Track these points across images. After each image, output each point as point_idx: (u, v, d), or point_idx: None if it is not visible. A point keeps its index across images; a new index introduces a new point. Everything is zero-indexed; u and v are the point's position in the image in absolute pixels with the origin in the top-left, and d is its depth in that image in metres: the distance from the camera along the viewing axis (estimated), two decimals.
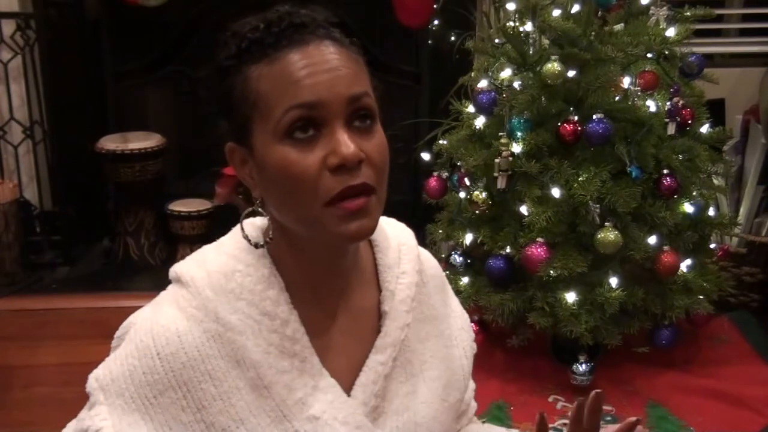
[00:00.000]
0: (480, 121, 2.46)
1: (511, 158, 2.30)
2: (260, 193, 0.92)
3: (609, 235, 2.21)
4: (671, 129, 2.37)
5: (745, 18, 3.48)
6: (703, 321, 2.54)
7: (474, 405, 1.24)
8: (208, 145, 3.40)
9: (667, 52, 2.45)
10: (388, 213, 0.97)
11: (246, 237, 0.95)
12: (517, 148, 2.32)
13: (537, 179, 2.30)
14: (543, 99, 2.36)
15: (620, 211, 2.24)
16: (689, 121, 2.45)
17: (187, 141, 3.68)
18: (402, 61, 3.58)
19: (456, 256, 2.57)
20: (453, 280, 2.45)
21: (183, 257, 0.99)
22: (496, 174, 2.32)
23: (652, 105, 2.36)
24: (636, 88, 2.34)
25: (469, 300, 2.42)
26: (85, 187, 3.46)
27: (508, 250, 2.38)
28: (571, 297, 2.27)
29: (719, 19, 3.36)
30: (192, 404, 0.91)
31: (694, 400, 2.37)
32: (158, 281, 1.01)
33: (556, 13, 2.39)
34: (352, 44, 0.91)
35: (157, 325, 0.93)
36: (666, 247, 2.31)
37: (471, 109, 2.51)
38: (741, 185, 3.06)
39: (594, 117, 2.25)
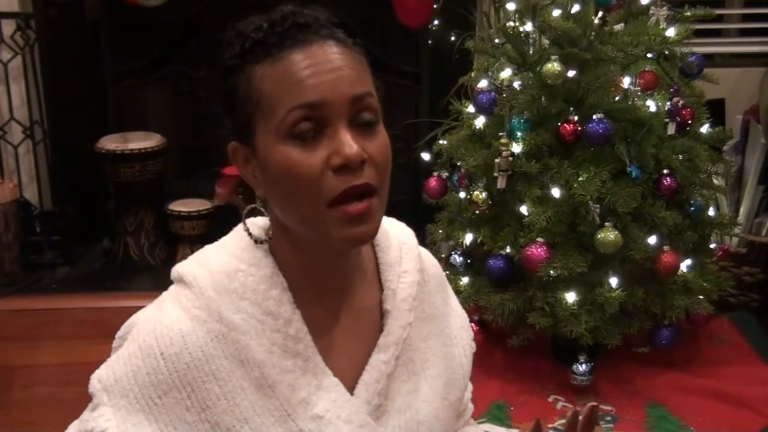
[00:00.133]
0: (480, 121, 2.46)
1: (511, 158, 2.30)
2: (263, 192, 0.93)
3: (609, 235, 2.21)
4: (671, 129, 2.37)
5: (745, 18, 3.49)
6: (703, 321, 2.54)
7: (471, 407, 1.24)
8: (208, 145, 3.41)
9: (667, 52, 2.46)
10: (389, 213, 0.97)
11: (247, 230, 0.95)
12: (517, 148, 2.32)
13: (537, 179, 2.30)
14: (543, 99, 2.36)
15: (620, 211, 2.24)
16: (689, 121, 2.45)
17: (187, 141, 3.67)
18: (402, 61, 3.58)
19: (456, 256, 2.57)
20: (453, 280, 2.45)
21: (183, 257, 0.99)
22: (496, 174, 2.32)
23: (652, 105, 2.36)
24: (636, 88, 2.34)
25: (469, 300, 2.42)
26: (85, 187, 3.46)
27: (508, 250, 2.38)
28: (571, 297, 2.27)
29: (719, 19, 3.36)
30: (196, 404, 0.91)
31: (694, 400, 2.37)
32: (158, 281, 1.01)
33: (556, 13, 2.39)
34: (355, 44, 0.91)
35: (160, 325, 0.93)
36: (666, 247, 2.31)
37: (471, 109, 2.52)
38: (741, 185, 3.06)
39: (594, 117, 2.25)
